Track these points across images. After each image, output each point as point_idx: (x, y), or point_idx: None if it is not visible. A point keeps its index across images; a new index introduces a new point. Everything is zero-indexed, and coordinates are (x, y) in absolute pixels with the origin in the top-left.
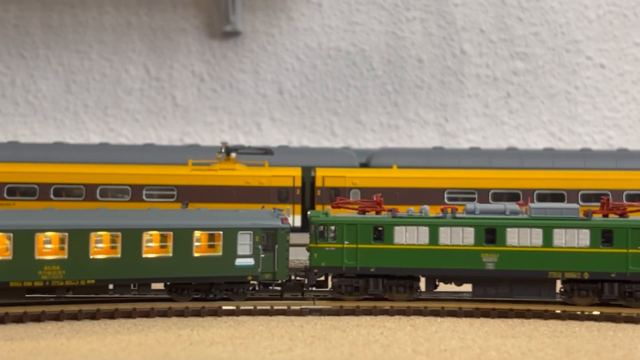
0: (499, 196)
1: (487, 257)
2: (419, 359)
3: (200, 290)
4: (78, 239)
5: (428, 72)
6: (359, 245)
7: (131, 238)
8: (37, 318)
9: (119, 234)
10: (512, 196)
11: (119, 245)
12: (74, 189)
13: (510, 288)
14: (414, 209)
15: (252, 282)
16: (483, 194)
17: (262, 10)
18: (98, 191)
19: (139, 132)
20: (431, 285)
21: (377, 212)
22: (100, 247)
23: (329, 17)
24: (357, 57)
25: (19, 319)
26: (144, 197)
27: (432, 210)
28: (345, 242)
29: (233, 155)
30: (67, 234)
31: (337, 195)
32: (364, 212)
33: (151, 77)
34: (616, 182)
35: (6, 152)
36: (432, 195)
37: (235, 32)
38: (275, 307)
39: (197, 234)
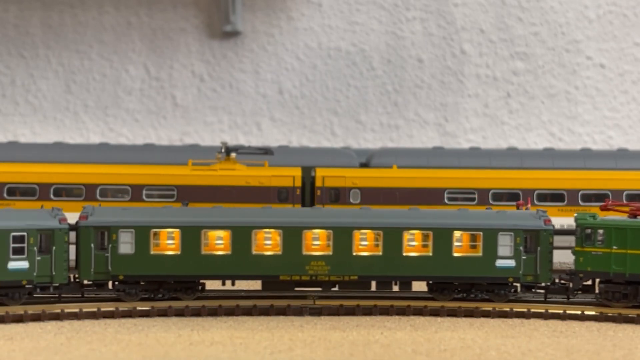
0: (499, 196)
1: None
2: (419, 359)
3: (462, 290)
4: (343, 237)
5: (428, 72)
6: (629, 251)
7: (392, 236)
8: (37, 318)
9: (381, 232)
10: (512, 196)
11: (381, 243)
12: (74, 189)
13: None
14: None
15: (513, 283)
16: (483, 194)
17: (262, 10)
18: (98, 191)
19: (139, 132)
20: None
21: None
22: (364, 244)
23: (329, 17)
24: (357, 57)
25: (19, 319)
26: (144, 197)
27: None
28: (614, 247)
29: (233, 155)
30: (332, 231)
31: (337, 195)
32: (634, 216)
33: (151, 77)
34: (616, 182)
35: (6, 152)
36: (432, 195)
37: (235, 32)
38: (275, 307)
39: (457, 233)
